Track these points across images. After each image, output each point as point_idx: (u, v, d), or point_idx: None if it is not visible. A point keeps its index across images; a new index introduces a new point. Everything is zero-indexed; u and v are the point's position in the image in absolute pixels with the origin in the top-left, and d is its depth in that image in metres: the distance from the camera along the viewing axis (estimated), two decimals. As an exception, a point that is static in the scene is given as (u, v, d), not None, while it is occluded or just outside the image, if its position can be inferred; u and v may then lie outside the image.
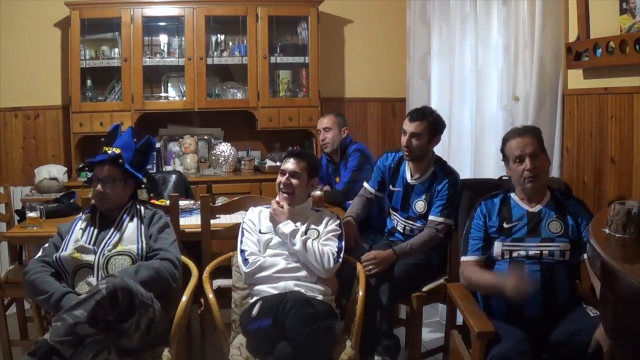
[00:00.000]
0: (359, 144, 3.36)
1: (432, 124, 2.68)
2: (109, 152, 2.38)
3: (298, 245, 2.32)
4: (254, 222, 2.49)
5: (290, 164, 2.48)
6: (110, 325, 1.93)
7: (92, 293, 1.90)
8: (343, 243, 2.45)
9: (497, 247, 2.20)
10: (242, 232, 2.47)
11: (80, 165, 2.53)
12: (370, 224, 3.03)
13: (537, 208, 2.23)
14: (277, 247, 2.41)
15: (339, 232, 2.47)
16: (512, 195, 2.29)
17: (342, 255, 2.41)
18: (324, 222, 2.50)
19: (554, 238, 2.16)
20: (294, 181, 2.46)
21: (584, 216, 2.20)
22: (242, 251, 2.41)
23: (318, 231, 2.46)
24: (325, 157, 3.59)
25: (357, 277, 2.42)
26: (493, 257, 2.22)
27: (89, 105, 4.13)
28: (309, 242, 2.34)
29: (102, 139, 2.49)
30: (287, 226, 2.37)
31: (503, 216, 2.25)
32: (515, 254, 2.17)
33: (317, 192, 3.02)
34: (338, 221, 2.51)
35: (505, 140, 2.27)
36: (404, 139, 2.70)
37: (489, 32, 3.24)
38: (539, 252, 2.14)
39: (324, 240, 2.42)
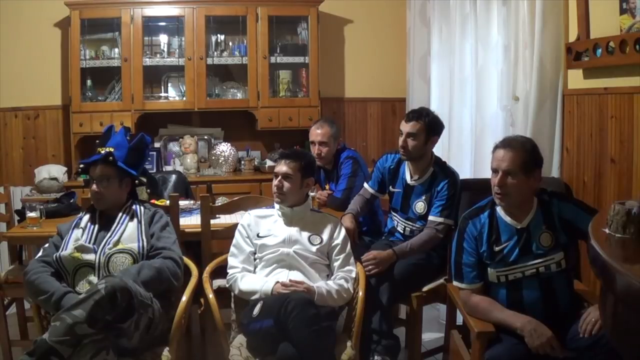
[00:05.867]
0: (349, 151, 3.33)
1: (428, 125, 2.69)
2: (102, 152, 2.38)
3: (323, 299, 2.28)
4: (251, 227, 2.47)
5: (281, 166, 2.46)
6: (109, 325, 1.93)
7: (91, 293, 1.90)
8: (352, 259, 2.47)
9: (492, 273, 2.13)
10: (234, 239, 2.47)
11: (79, 170, 2.54)
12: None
13: (525, 222, 2.11)
14: (275, 247, 2.41)
15: (348, 250, 2.46)
16: (498, 210, 2.17)
17: (354, 270, 2.42)
18: (328, 230, 2.47)
19: (547, 252, 2.09)
20: (286, 184, 2.44)
21: (570, 208, 2.13)
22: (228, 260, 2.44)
23: (321, 238, 2.45)
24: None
25: (357, 277, 2.42)
26: (488, 281, 2.16)
27: (89, 105, 4.13)
28: (326, 290, 2.28)
29: (97, 141, 2.50)
30: (320, 297, 2.26)
31: (492, 239, 2.14)
32: (511, 277, 2.10)
33: (313, 194, 3.01)
34: (343, 232, 2.50)
35: (494, 147, 2.17)
36: (400, 140, 2.71)
37: (489, 32, 3.24)
38: (535, 270, 2.08)
39: (337, 270, 2.41)
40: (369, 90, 4.74)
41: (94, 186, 2.35)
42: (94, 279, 2.17)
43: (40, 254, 2.29)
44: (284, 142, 4.49)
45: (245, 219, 2.51)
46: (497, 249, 2.13)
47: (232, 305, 2.44)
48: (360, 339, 2.29)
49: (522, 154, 2.08)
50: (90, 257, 2.22)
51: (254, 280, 2.35)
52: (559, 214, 2.12)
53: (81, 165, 2.48)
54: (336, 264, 2.43)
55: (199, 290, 2.41)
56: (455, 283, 2.23)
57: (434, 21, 3.95)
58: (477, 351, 2.01)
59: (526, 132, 2.79)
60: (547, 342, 1.90)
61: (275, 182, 2.47)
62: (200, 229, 2.72)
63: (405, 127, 2.70)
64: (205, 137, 4.52)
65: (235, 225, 2.55)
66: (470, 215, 2.22)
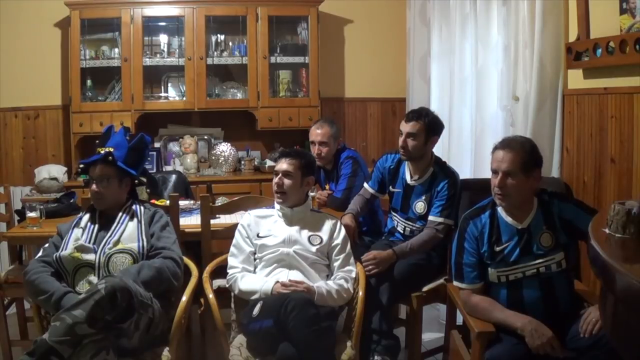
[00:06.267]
0: (349, 151, 3.34)
1: (428, 125, 2.69)
2: (102, 152, 2.39)
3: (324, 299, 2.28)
4: (251, 227, 2.48)
5: (282, 164, 2.48)
6: (109, 325, 1.93)
7: (91, 293, 1.90)
8: (352, 259, 2.47)
9: (492, 273, 2.13)
10: (234, 239, 2.47)
11: (79, 170, 2.54)
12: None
13: (525, 223, 2.12)
14: (275, 247, 2.40)
15: (347, 250, 2.46)
16: (499, 210, 2.17)
17: (354, 270, 2.42)
18: (328, 230, 2.47)
19: (548, 252, 2.09)
20: (287, 181, 2.45)
21: (570, 208, 2.13)
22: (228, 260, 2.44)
23: (321, 238, 2.45)
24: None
25: (357, 277, 2.42)
26: (489, 281, 2.16)
27: (89, 105, 4.13)
28: (326, 290, 2.28)
29: (97, 141, 2.50)
30: (320, 297, 2.26)
31: (492, 239, 2.14)
32: (512, 277, 2.11)
33: (313, 194, 3.03)
34: (343, 232, 2.50)
35: (493, 148, 2.17)
36: (400, 140, 2.71)
37: (489, 32, 3.24)
38: (535, 270, 2.09)
39: (337, 270, 2.41)
40: (369, 90, 4.74)
41: (94, 186, 2.35)
42: (94, 279, 2.17)
43: (40, 254, 2.29)
44: (284, 142, 4.49)
45: (245, 219, 2.51)
46: (497, 249, 2.13)
47: (232, 305, 2.44)
48: (360, 339, 2.29)
49: (522, 154, 2.08)
50: (90, 257, 2.22)
51: (253, 280, 2.35)
52: (559, 214, 2.12)
53: (81, 165, 2.48)
54: (336, 264, 2.43)
55: (199, 290, 2.41)
56: (455, 283, 2.23)
57: (434, 21, 3.95)
58: (477, 351, 2.01)
59: (526, 132, 2.79)
60: (547, 342, 1.90)
61: (275, 179, 2.48)
62: (200, 229, 2.72)
63: (405, 127, 2.70)
64: (205, 137, 4.52)
65: (235, 225, 2.55)
66: (471, 215, 2.22)
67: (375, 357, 2.50)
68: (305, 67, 4.40)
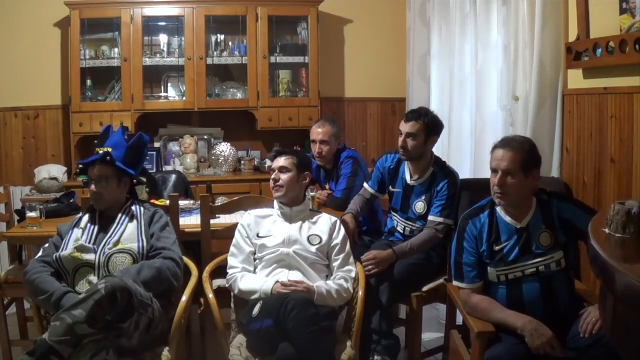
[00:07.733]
0: (349, 150, 3.34)
1: (427, 125, 2.69)
2: (101, 152, 2.39)
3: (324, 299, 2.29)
4: (251, 227, 2.48)
5: (278, 162, 2.50)
6: (109, 325, 1.93)
7: (91, 293, 1.90)
8: (352, 258, 2.47)
9: (492, 272, 2.13)
10: (234, 239, 2.48)
11: (78, 170, 2.54)
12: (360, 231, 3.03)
13: (525, 222, 2.12)
14: (274, 248, 2.41)
15: (347, 250, 2.46)
16: (498, 210, 2.17)
17: (354, 270, 2.42)
18: (327, 230, 2.47)
19: (547, 251, 2.09)
20: (284, 176, 2.46)
21: (569, 208, 2.13)
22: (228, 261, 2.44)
23: (321, 238, 2.45)
24: (316, 162, 3.56)
25: (357, 277, 2.42)
26: (488, 281, 2.16)
27: (89, 105, 4.13)
28: (326, 290, 2.28)
29: (95, 142, 2.50)
30: (320, 297, 2.26)
31: (491, 238, 2.14)
32: (511, 276, 2.11)
33: (313, 194, 3.03)
34: (343, 232, 2.50)
35: (493, 147, 2.17)
36: (400, 140, 2.71)
37: (489, 32, 3.24)
38: (535, 269, 2.09)
39: (337, 270, 2.41)
40: (369, 90, 4.74)
41: (93, 187, 2.35)
42: (94, 279, 2.17)
43: (40, 254, 2.29)
44: (284, 142, 4.49)
45: (245, 219, 2.52)
46: (497, 248, 2.14)
47: (232, 305, 2.44)
48: (360, 339, 2.29)
49: (522, 153, 2.09)
50: (90, 257, 2.22)
51: (253, 280, 2.35)
52: (558, 214, 2.12)
53: (80, 166, 2.48)
54: (336, 264, 2.43)
55: (199, 290, 2.41)
56: (455, 283, 2.23)
57: (434, 21, 3.95)
58: (477, 351, 2.01)
59: (526, 132, 2.79)
60: (547, 342, 1.90)
61: (272, 176, 2.49)
62: (200, 229, 2.72)
63: (405, 127, 2.70)
64: (205, 137, 4.52)
65: (235, 225, 2.55)
66: (471, 215, 2.23)
67: (375, 357, 2.50)
68: (305, 67, 4.41)
